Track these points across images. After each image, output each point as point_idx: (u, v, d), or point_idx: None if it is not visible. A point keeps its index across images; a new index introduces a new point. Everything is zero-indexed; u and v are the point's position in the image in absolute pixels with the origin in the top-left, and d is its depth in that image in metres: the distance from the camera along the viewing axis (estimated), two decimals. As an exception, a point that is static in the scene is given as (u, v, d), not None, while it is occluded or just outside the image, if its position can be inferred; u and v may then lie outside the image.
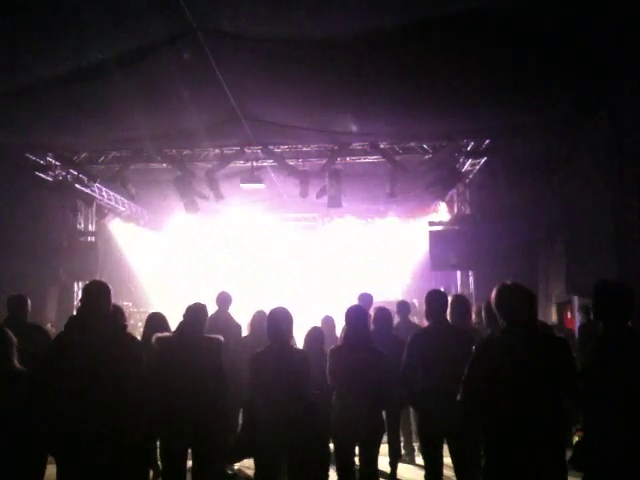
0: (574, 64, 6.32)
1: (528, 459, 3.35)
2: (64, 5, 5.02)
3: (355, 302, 6.50)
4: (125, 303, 12.15)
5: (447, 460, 4.92)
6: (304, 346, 5.67)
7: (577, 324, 9.06)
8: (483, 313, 5.54)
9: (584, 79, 6.77)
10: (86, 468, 3.67)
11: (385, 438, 5.68)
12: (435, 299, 4.99)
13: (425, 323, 5.25)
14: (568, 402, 3.52)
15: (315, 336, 5.75)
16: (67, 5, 5.02)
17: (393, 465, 6.08)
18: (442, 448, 4.84)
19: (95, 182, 11.82)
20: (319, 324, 6.75)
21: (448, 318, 5.04)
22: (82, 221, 12.34)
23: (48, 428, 3.83)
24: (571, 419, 3.72)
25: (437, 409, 4.61)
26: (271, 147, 10.26)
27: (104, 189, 12.62)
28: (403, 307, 6.85)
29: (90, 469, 3.67)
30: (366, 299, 6.93)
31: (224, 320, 6.62)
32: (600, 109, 7.68)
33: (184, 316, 4.89)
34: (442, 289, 9.75)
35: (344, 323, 5.13)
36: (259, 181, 10.80)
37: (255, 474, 4.72)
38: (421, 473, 5.14)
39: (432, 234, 11.63)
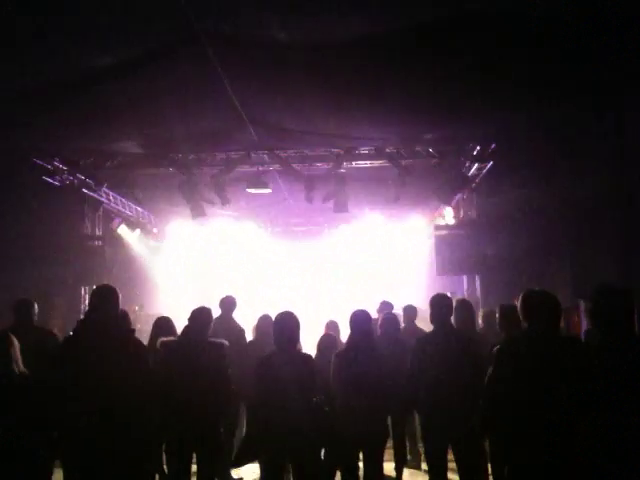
0: (578, 66, 6.31)
1: (553, 466, 3.34)
2: (68, 9, 5.05)
3: (359, 307, 6.49)
4: (133, 307, 12.19)
5: (452, 464, 4.93)
6: (316, 352, 5.67)
7: (583, 328, 9.02)
8: (497, 317, 5.54)
9: (588, 81, 6.76)
10: (93, 473, 3.69)
11: (390, 443, 5.69)
12: (439, 303, 5.01)
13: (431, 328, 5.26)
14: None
15: (327, 343, 5.77)
16: (71, 9, 5.05)
17: (399, 470, 6.07)
18: (447, 453, 4.83)
19: (102, 186, 11.89)
20: (323, 329, 6.78)
21: (453, 323, 5.05)
22: (89, 225, 12.39)
23: (56, 432, 3.85)
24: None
25: (442, 414, 4.62)
26: (277, 151, 10.28)
27: (111, 194, 12.67)
28: (409, 312, 6.85)
29: (97, 474, 3.68)
30: (387, 307, 6.92)
31: (228, 324, 6.62)
32: (605, 112, 7.65)
33: (189, 320, 4.91)
34: (449, 294, 9.74)
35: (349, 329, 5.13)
36: (265, 186, 10.81)
37: (260, 478, 4.73)
38: (427, 478, 5.13)
39: (438, 239, 11.60)
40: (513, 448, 3.50)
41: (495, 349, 3.73)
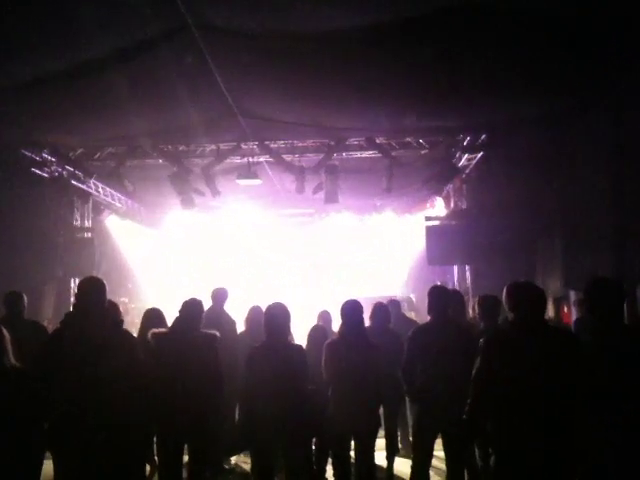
0: (574, 59, 6.31)
1: (542, 462, 3.34)
2: (59, 0, 5.01)
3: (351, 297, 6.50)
4: (122, 299, 12.15)
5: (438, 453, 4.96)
6: (307, 343, 5.67)
7: (573, 318, 9.08)
8: (477, 307, 5.63)
9: (584, 74, 6.76)
10: (84, 464, 3.68)
11: (382, 432, 5.71)
12: (437, 295, 5.04)
13: (422, 318, 5.28)
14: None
15: (318, 334, 5.76)
16: (62, 1, 5.01)
17: (390, 459, 6.10)
18: (434, 441, 4.87)
19: (91, 178, 11.82)
20: (316, 319, 6.78)
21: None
22: (78, 217, 12.33)
23: (47, 424, 3.83)
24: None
25: (436, 404, 4.64)
26: (267, 143, 10.25)
27: (100, 185, 12.60)
28: (394, 305, 6.87)
29: (88, 465, 3.67)
30: (395, 305, 6.91)
31: (219, 316, 6.60)
32: (600, 104, 7.66)
33: (180, 311, 4.89)
34: (439, 284, 9.77)
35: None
36: (255, 177, 10.79)
37: (252, 468, 4.75)
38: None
39: (429, 229, 11.64)
40: (503, 441, 3.51)
41: (481, 341, 3.74)
